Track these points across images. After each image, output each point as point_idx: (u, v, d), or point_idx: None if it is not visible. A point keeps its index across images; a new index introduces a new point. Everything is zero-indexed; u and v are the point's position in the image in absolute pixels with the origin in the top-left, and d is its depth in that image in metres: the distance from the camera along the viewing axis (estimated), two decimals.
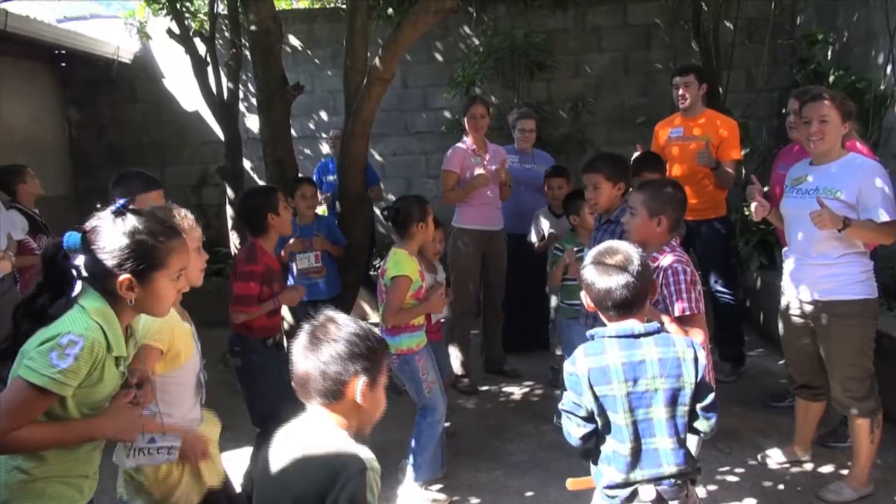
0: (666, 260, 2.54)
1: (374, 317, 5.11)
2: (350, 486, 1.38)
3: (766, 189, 3.18)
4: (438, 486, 3.28)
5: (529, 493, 3.24)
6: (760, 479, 3.25)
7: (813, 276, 2.97)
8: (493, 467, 3.50)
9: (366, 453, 1.45)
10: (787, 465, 3.35)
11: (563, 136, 6.62)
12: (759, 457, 3.42)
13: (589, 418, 1.93)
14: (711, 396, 1.97)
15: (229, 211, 5.71)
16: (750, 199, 3.19)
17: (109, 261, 1.64)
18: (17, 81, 6.67)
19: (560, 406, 2.01)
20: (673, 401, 1.90)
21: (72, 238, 1.65)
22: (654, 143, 4.55)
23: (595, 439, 1.97)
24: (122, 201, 1.72)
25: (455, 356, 4.49)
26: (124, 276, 1.64)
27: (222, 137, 6.00)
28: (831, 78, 5.38)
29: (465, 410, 4.24)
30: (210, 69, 5.73)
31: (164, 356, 2.07)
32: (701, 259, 4.41)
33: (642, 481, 1.90)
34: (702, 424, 1.96)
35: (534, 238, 4.58)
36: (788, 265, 3.12)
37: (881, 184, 2.80)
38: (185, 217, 2.15)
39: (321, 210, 5.07)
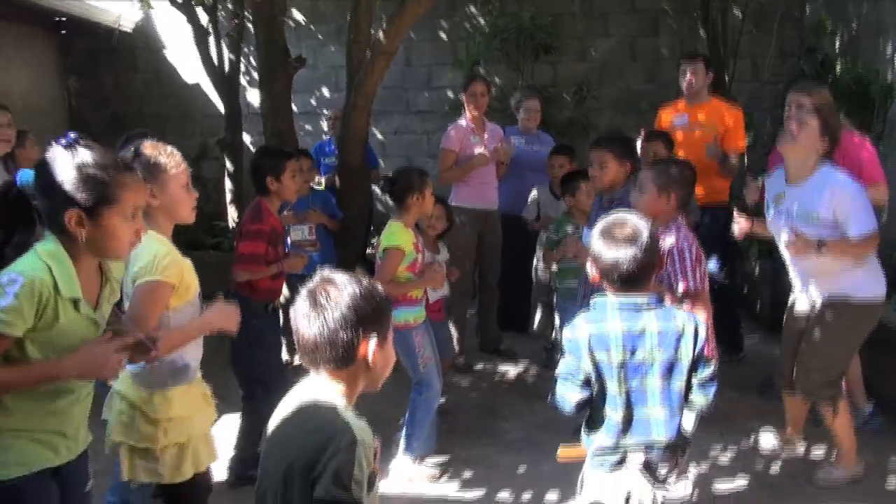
0: (671, 238, 2.54)
1: None
2: (338, 458, 1.35)
3: (761, 182, 3.14)
4: (432, 461, 3.29)
5: (522, 469, 3.25)
6: (752, 462, 3.27)
7: (817, 284, 2.96)
8: (486, 444, 3.51)
9: (359, 427, 1.42)
10: (780, 449, 3.36)
11: (566, 120, 6.58)
12: (751, 439, 3.43)
13: (586, 384, 1.93)
14: (710, 370, 1.97)
15: (228, 184, 5.68)
16: (748, 196, 3.17)
17: (58, 195, 1.59)
18: (15, 48, 6.60)
19: (556, 372, 2.00)
20: (668, 373, 1.91)
21: (25, 175, 1.61)
22: (657, 126, 4.53)
23: (589, 408, 1.97)
24: (73, 134, 1.65)
25: (451, 335, 4.48)
26: (72, 211, 1.59)
27: (223, 111, 5.97)
28: (838, 68, 5.35)
29: (460, 388, 4.24)
30: (212, 39, 5.68)
31: (177, 290, 2.05)
32: (701, 244, 4.39)
33: (631, 447, 1.91)
34: (698, 398, 1.97)
35: (528, 215, 4.56)
36: (792, 273, 3.10)
37: (851, 198, 2.77)
38: (171, 154, 2.12)
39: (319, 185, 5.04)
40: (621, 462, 1.91)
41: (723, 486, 3.07)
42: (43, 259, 1.59)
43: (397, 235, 3.14)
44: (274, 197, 3.22)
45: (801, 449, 3.36)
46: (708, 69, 4.35)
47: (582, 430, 2.03)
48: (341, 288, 1.46)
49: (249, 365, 3.07)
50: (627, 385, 1.90)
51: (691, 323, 1.93)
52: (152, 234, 2.04)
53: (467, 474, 3.23)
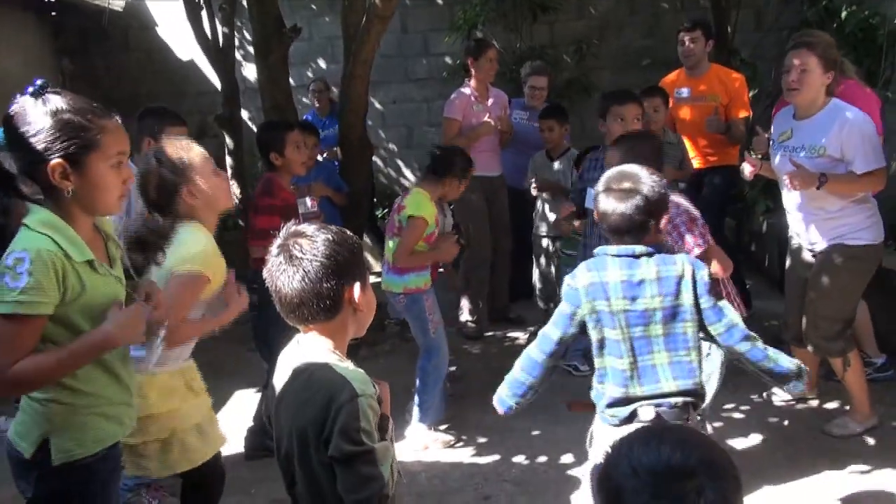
0: None
1: (377, 266, 5.09)
2: (340, 417, 1.35)
3: (769, 135, 3.09)
4: (445, 427, 3.31)
5: (536, 433, 3.27)
6: (766, 416, 3.28)
7: (816, 229, 2.93)
8: None
9: (357, 379, 1.40)
10: (793, 402, 3.37)
11: (566, 81, 6.47)
12: (764, 394, 3.44)
13: (580, 329, 1.96)
14: (727, 317, 1.94)
15: (228, 160, 5.63)
16: (755, 148, 3.11)
17: (36, 147, 1.48)
18: (8, 30, 6.50)
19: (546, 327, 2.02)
20: (672, 318, 1.92)
21: None
22: None
23: (586, 360, 1.99)
24: (39, 81, 1.53)
25: (466, 302, 4.49)
26: (55, 161, 1.48)
27: (219, 87, 5.88)
28: (843, 14, 5.23)
29: (471, 355, 4.25)
30: (204, 14, 5.57)
31: (210, 284, 2.03)
32: (702, 203, 4.34)
33: (642, 398, 1.92)
34: (715, 329, 1.93)
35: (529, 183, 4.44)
36: (791, 219, 3.07)
37: (861, 133, 2.72)
38: (189, 147, 2.10)
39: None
40: (631, 418, 1.92)
41: (737, 440, 3.08)
42: (39, 230, 1.50)
43: (424, 206, 3.15)
44: (283, 171, 3.20)
45: (814, 402, 3.36)
46: (707, 38, 4.25)
47: (593, 384, 2.03)
48: (314, 238, 1.43)
49: (271, 338, 3.07)
50: (630, 332, 1.91)
51: (690, 267, 1.94)
52: (199, 226, 2.04)
53: (482, 440, 3.25)
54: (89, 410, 1.61)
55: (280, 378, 1.51)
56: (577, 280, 1.95)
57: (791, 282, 3.15)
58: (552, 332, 2.00)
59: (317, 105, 5.54)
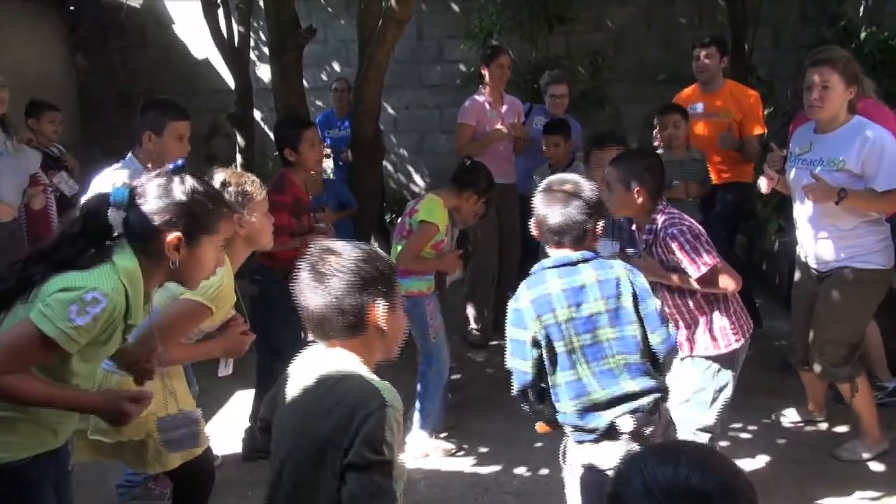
0: (661, 223, 2.45)
1: None
2: (367, 425, 1.32)
3: (785, 152, 3.06)
4: (446, 435, 3.26)
5: (539, 444, 3.21)
6: (774, 437, 3.22)
7: (826, 247, 2.86)
8: (502, 418, 3.47)
9: (387, 389, 1.39)
10: (802, 424, 3.31)
11: (581, 93, 6.45)
12: (772, 416, 3.38)
13: (535, 346, 1.93)
14: (653, 304, 1.98)
15: (239, 159, 5.63)
16: (770, 165, 3.07)
17: (160, 218, 1.59)
18: (24, 24, 6.54)
19: (507, 361, 1.99)
20: (617, 319, 1.93)
21: (120, 193, 1.59)
22: None
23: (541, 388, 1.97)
24: (180, 162, 1.71)
25: (472, 310, 4.45)
26: (175, 235, 1.59)
27: (233, 86, 5.90)
28: (862, 34, 5.18)
29: (475, 363, 4.21)
30: (221, 13, 5.59)
31: (210, 319, 2.06)
32: (713, 220, 4.30)
33: (608, 402, 1.91)
34: (654, 339, 1.97)
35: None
36: (801, 236, 3.01)
37: (884, 150, 2.67)
38: (253, 182, 2.19)
39: (328, 167, 4.94)
40: (611, 430, 1.90)
41: (744, 461, 3.02)
42: (122, 279, 1.56)
43: (437, 212, 3.12)
44: (298, 168, 3.18)
45: (823, 425, 3.30)
46: (723, 54, 4.22)
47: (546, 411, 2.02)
48: (342, 254, 1.43)
49: (267, 336, 3.04)
50: (581, 340, 1.91)
51: (626, 271, 1.98)
52: (224, 257, 2.05)
53: (483, 449, 3.20)
54: (22, 416, 1.60)
55: (296, 385, 1.47)
56: (520, 301, 1.95)
57: (797, 302, 3.09)
58: (520, 364, 1.95)
59: (337, 104, 5.50)
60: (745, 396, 3.52)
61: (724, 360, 2.46)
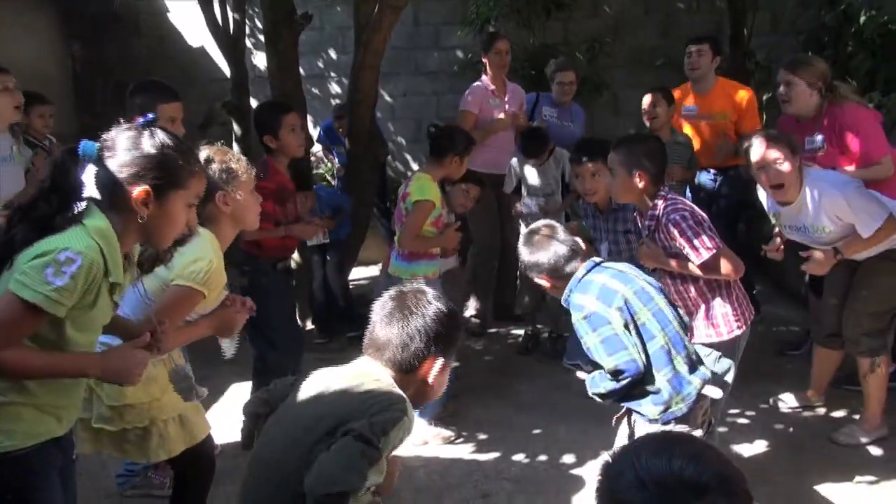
0: (659, 211, 2.45)
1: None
2: (383, 414, 1.38)
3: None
4: (445, 423, 3.27)
5: (537, 431, 3.22)
6: (772, 422, 3.22)
7: (859, 255, 2.88)
8: (501, 406, 3.48)
9: (411, 409, 1.46)
10: (800, 410, 3.31)
11: (579, 79, 6.41)
12: (770, 400, 3.38)
13: (629, 334, 2.02)
14: None
15: (236, 148, 5.59)
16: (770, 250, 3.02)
17: (129, 171, 1.56)
18: (18, 14, 6.48)
19: (608, 364, 2.02)
20: (658, 291, 2.13)
21: (88, 146, 1.56)
22: None
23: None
24: (151, 115, 1.66)
25: (472, 299, 4.45)
26: (142, 188, 1.56)
27: (229, 74, 5.85)
28: (862, 18, 5.14)
29: (474, 351, 4.21)
30: (216, 0, 5.53)
31: (203, 301, 2.04)
32: (716, 215, 4.30)
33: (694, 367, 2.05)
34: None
35: (507, 188, 4.32)
36: None
37: (847, 204, 2.66)
38: (239, 159, 2.14)
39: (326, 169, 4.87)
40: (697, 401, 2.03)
41: (742, 446, 3.03)
42: (95, 238, 1.53)
43: (428, 188, 3.11)
44: (280, 154, 3.14)
45: (821, 410, 3.31)
46: (716, 52, 4.19)
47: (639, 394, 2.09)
48: (432, 300, 1.53)
49: (258, 326, 3.03)
50: (650, 308, 2.04)
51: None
52: (212, 237, 2.03)
53: (482, 436, 3.20)
54: (24, 403, 1.58)
55: (318, 377, 1.54)
56: (587, 308, 2.05)
57: (832, 283, 3.10)
58: (625, 355, 1.99)
59: (340, 129, 5.42)
60: (743, 382, 3.52)
61: (726, 347, 2.46)
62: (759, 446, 3.05)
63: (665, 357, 2.01)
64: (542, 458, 3.01)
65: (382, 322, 1.51)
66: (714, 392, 2.04)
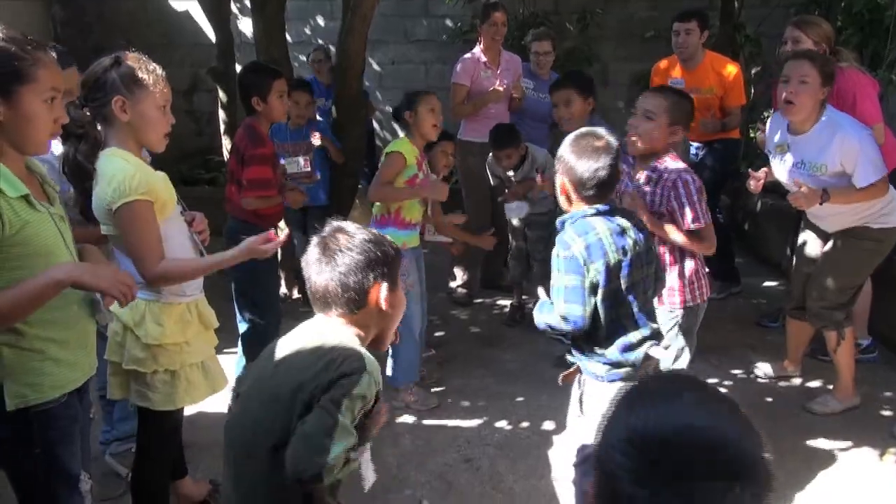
0: (673, 166, 2.48)
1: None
2: (342, 379, 1.37)
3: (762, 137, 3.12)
4: (430, 390, 3.31)
5: (520, 399, 3.28)
6: (749, 392, 3.30)
7: (836, 221, 2.93)
8: (484, 374, 3.53)
9: (371, 361, 1.45)
10: (776, 380, 3.39)
11: (568, 50, 6.37)
12: (747, 371, 3.46)
13: (592, 292, 1.97)
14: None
15: (222, 115, 5.53)
16: (759, 141, 3.09)
17: None
18: None
19: (559, 309, 1.99)
20: (647, 260, 2.06)
21: None
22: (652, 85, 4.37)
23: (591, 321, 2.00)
24: None
25: (459, 268, 4.47)
26: None
27: (214, 39, 5.75)
28: None
29: (459, 320, 4.25)
30: None
31: (159, 203, 1.94)
32: (700, 175, 4.33)
33: (639, 341, 2.01)
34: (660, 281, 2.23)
35: (493, 180, 4.23)
36: (809, 212, 3.03)
37: (860, 146, 2.69)
38: (153, 71, 1.96)
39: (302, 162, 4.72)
40: (641, 363, 2.00)
41: None
42: None
43: (400, 144, 3.13)
44: (262, 118, 3.11)
45: (797, 380, 3.39)
46: (703, 28, 4.17)
47: (576, 351, 2.08)
48: (351, 234, 1.51)
49: (251, 292, 3.05)
50: (630, 280, 1.99)
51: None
52: (116, 150, 1.91)
53: (465, 403, 3.26)
54: (43, 356, 1.58)
55: (290, 342, 1.52)
56: (573, 248, 1.95)
57: (801, 257, 3.16)
58: (577, 310, 1.95)
59: (319, 75, 5.32)
60: (723, 351, 3.62)
61: (687, 315, 2.56)
62: None
63: (619, 322, 2.00)
64: (525, 424, 3.07)
65: (315, 273, 1.48)
66: (661, 353, 2.06)
